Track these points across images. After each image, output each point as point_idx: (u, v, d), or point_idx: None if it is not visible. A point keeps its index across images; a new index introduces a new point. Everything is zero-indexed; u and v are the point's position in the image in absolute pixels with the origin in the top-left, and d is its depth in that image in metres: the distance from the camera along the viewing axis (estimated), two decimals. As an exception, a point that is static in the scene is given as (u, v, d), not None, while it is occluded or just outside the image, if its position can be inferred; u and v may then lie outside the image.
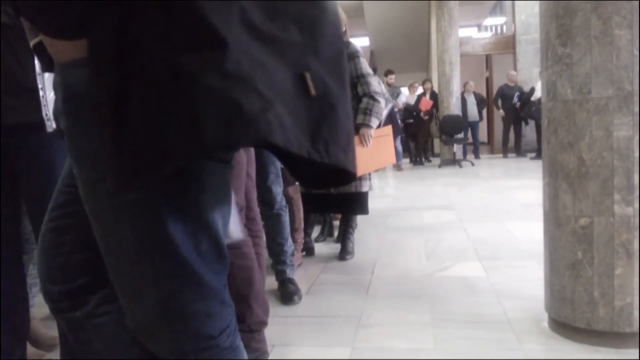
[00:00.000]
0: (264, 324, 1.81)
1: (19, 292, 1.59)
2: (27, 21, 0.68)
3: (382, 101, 2.90)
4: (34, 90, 1.47)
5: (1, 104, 1.44)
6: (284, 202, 2.58)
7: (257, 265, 1.82)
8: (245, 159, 1.85)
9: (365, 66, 2.92)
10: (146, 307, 0.75)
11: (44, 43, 0.71)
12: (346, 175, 0.77)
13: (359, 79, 2.89)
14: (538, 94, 9.37)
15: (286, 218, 2.58)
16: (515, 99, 10.06)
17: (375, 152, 2.89)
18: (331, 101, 0.71)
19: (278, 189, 2.54)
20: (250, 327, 1.75)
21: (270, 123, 0.60)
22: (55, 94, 0.82)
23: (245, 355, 0.85)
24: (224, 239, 0.79)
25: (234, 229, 1.61)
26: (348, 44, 2.95)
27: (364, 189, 3.05)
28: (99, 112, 0.63)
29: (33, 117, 1.48)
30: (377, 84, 2.94)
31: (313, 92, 0.68)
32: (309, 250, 3.35)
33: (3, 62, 1.43)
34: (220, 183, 0.76)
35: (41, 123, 1.49)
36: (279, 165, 2.49)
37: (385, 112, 3.06)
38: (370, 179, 3.09)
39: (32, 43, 0.82)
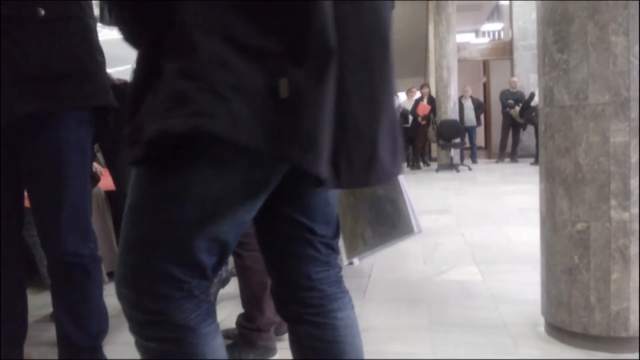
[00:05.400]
0: (273, 323, 1.81)
1: (17, 295, 1.59)
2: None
3: None
4: (42, 79, 1.40)
5: (9, 96, 1.38)
6: None
7: None
8: None
9: None
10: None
11: None
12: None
13: None
14: (537, 99, 9.42)
15: None
16: (507, 108, 10.13)
17: None
18: (302, 103, 0.72)
19: None
20: (259, 327, 1.77)
21: (213, 115, 0.68)
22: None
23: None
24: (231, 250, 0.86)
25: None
26: None
27: None
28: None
29: (39, 106, 1.41)
30: None
31: (283, 94, 0.71)
32: None
33: (4, 54, 1.37)
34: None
35: (47, 115, 1.43)
36: None
37: None
38: None
39: None
